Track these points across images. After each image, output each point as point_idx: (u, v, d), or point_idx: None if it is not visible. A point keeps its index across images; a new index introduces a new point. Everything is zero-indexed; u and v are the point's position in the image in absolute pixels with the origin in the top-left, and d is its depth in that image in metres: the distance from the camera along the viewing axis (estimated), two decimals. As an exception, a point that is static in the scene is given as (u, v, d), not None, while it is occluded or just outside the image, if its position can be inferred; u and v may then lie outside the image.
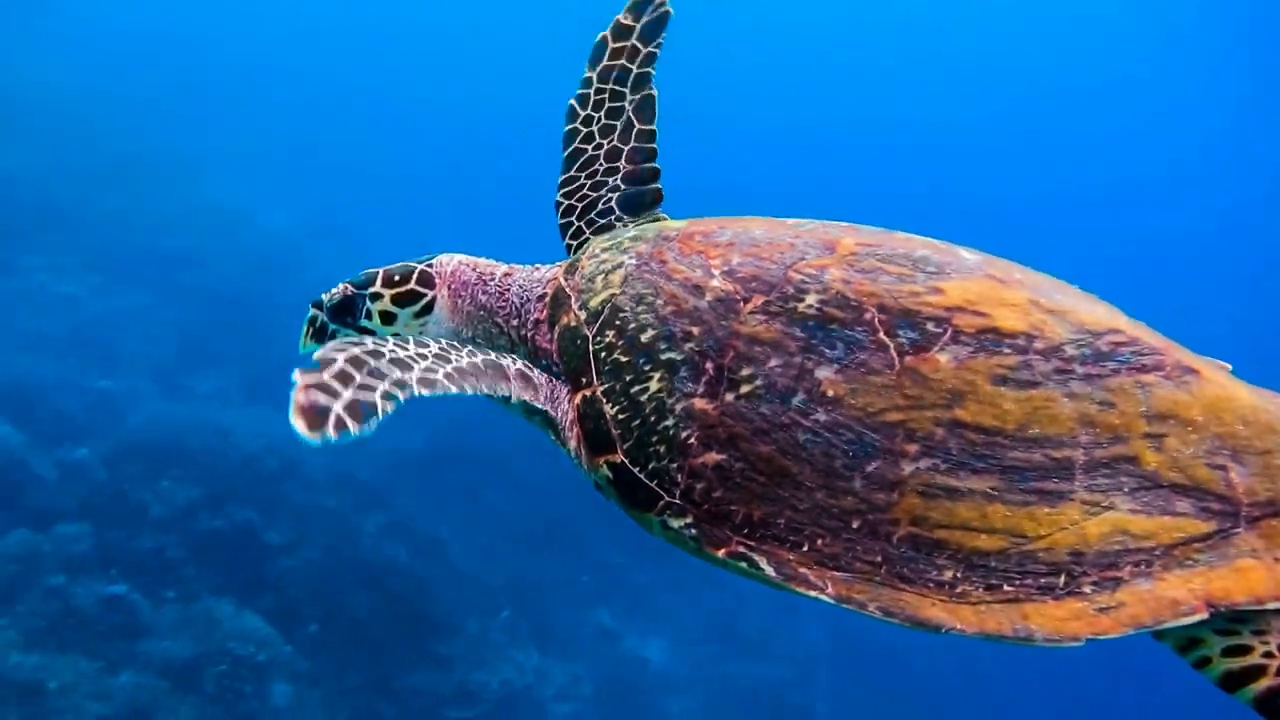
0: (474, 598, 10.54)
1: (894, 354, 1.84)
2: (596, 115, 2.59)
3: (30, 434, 9.99)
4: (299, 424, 1.59)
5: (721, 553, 1.85)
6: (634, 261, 2.14)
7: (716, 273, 2.02)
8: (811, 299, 1.91)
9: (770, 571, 1.82)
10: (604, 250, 2.27)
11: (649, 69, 2.59)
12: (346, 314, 2.34)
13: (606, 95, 2.59)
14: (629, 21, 2.58)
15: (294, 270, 21.00)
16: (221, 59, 31.33)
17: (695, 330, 1.96)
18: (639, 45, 2.57)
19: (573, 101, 2.60)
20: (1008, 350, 1.82)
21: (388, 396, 1.75)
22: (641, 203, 2.57)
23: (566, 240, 2.59)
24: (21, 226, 16.38)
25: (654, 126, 2.59)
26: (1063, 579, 1.74)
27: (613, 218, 2.54)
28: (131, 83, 25.97)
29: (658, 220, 2.51)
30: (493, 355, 2.10)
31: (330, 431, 1.61)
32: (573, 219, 2.58)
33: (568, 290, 2.22)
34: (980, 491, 1.76)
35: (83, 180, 19.30)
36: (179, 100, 26.98)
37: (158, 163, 22.77)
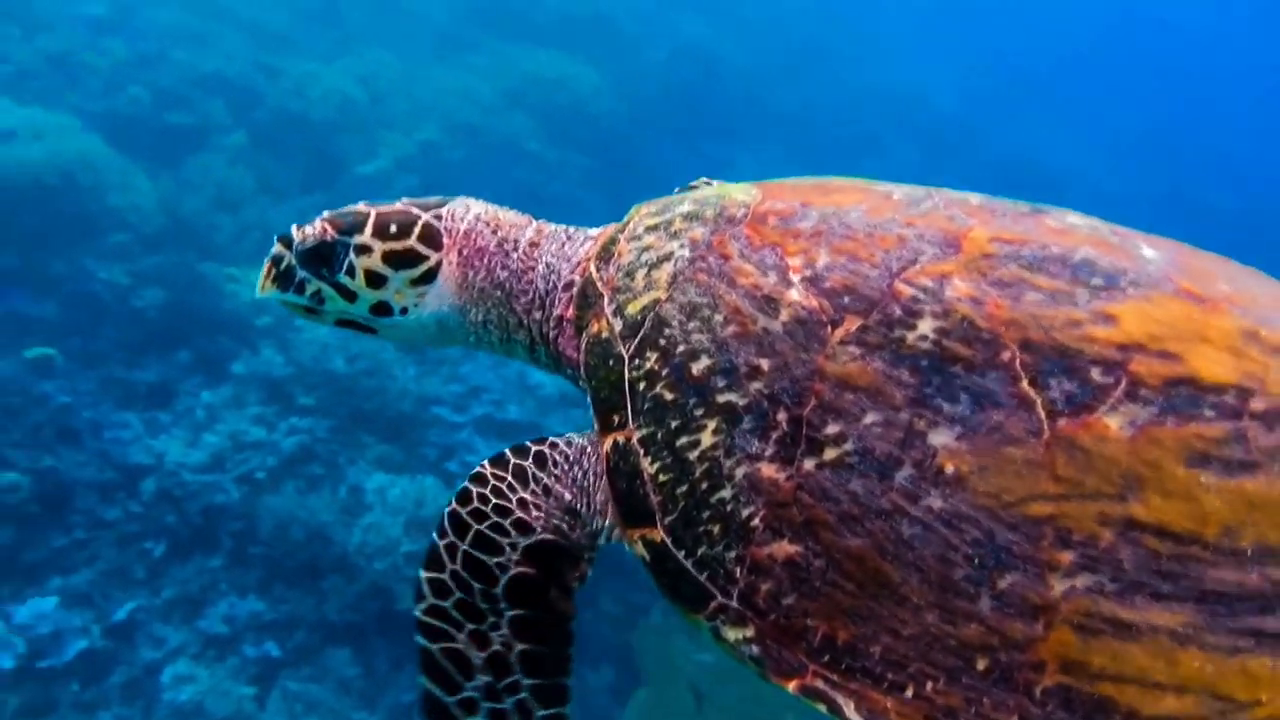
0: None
1: (1042, 415, 1.31)
2: None
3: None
4: None
5: (793, 686, 1.39)
6: (687, 253, 1.65)
7: (796, 279, 1.51)
8: (926, 326, 1.39)
9: None
10: (649, 231, 1.75)
11: None
12: (322, 263, 1.85)
13: None
14: None
15: (968, 151, 20.79)
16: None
17: (764, 364, 1.47)
18: None
19: None
20: (1210, 413, 1.27)
21: None
22: None
23: None
24: (734, 120, 18.32)
25: None
26: None
27: None
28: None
29: (721, 185, 1.93)
30: (499, 583, 1.62)
31: None
32: None
33: (600, 285, 1.75)
34: (1166, 629, 1.24)
35: (776, 68, 20.86)
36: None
37: (839, 46, 23.67)
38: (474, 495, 1.66)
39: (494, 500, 1.65)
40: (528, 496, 1.66)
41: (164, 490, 7.44)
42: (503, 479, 1.67)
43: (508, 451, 1.71)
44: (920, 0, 28.38)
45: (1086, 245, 1.45)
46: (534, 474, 1.68)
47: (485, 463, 1.70)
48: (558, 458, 1.70)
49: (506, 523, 1.63)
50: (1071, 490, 1.29)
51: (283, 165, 11.98)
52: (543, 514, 1.65)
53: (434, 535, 1.65)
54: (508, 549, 1.62)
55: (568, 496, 1.67)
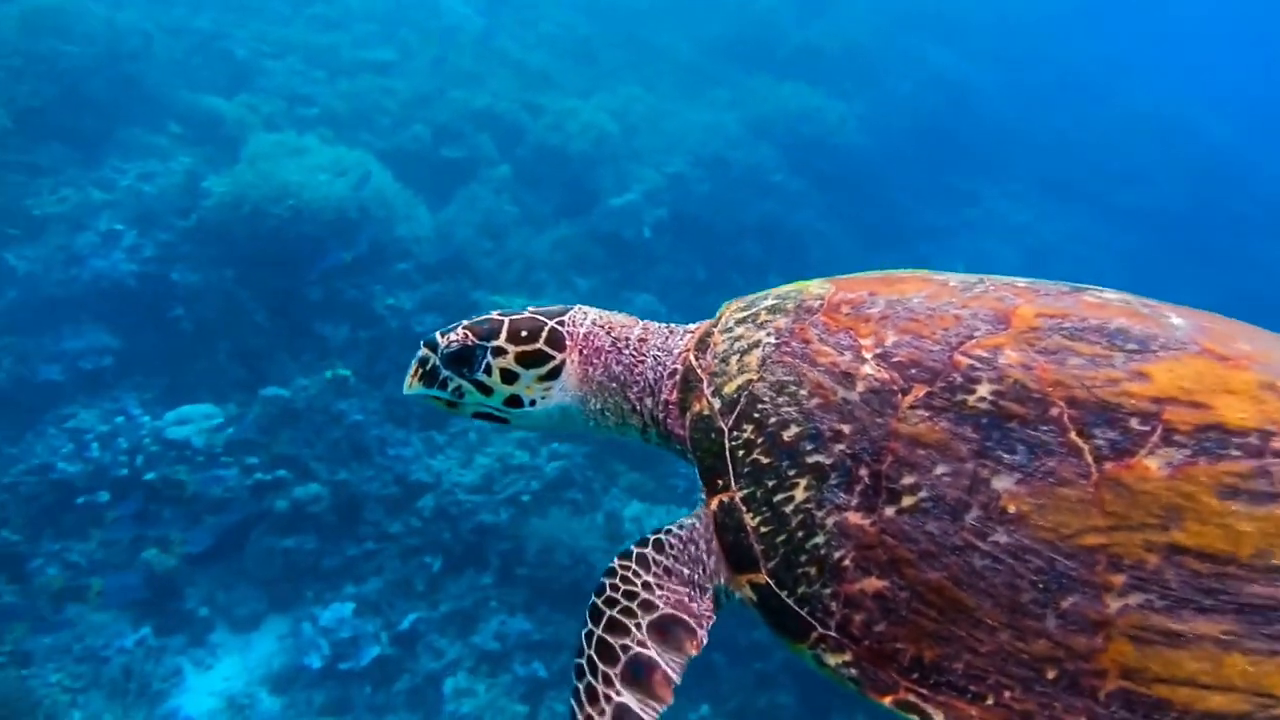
0: None
1: (1089, 460, 1.51)
2: None
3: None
4: None
5: (888, 700, 1.60)
6: (773, 340, 1.90)
7: (868, 356, 1.75)
8: (984, 390, 1.62)
9: None
10: (739, 324, 2.02)
11: None
12: (463, 364, 2.13)
13: None
14: None
15: (1239, 183, 19.12)
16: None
17: (846, 429, 1.71)
18: None
19: None
20: (1237, 453, 1.46)
21: None
22: None
23: None
24: (982, 152, 17.66)
25: None
26: None
27: None
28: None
29: (799, 282, 2.19)
30: (619, 664, 1.79)
31: None
32: None
33: (699, 371, 2.00)
34: (1210, 637, 1.42)
35: (1027, 98, 19.96)
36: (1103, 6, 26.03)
37: (1090, 73, 22.40)
38: (607, 586, 1.88)
39: (623, 588, 1.86)
40: (650, 579, 1.86)
41: (441, 508, 7.92)
42: (628, 568, 1.88)
43: (633, 545, 1.93)
44: (1175, 26, 26.42)
45: (1121, 316, 1.66)
46: (654, 559, 1.88)
47: (616, 557, 1.93)
48: (673, 540, 1.90)
49: (634, 605, 1.84)
50: (1120, 522, 1.48)
51: (541, 196, 12.59)
52: (665, 592, 1.85)
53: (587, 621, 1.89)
54: (634, 629, 1.81)
55: (685, 572, 1.87)
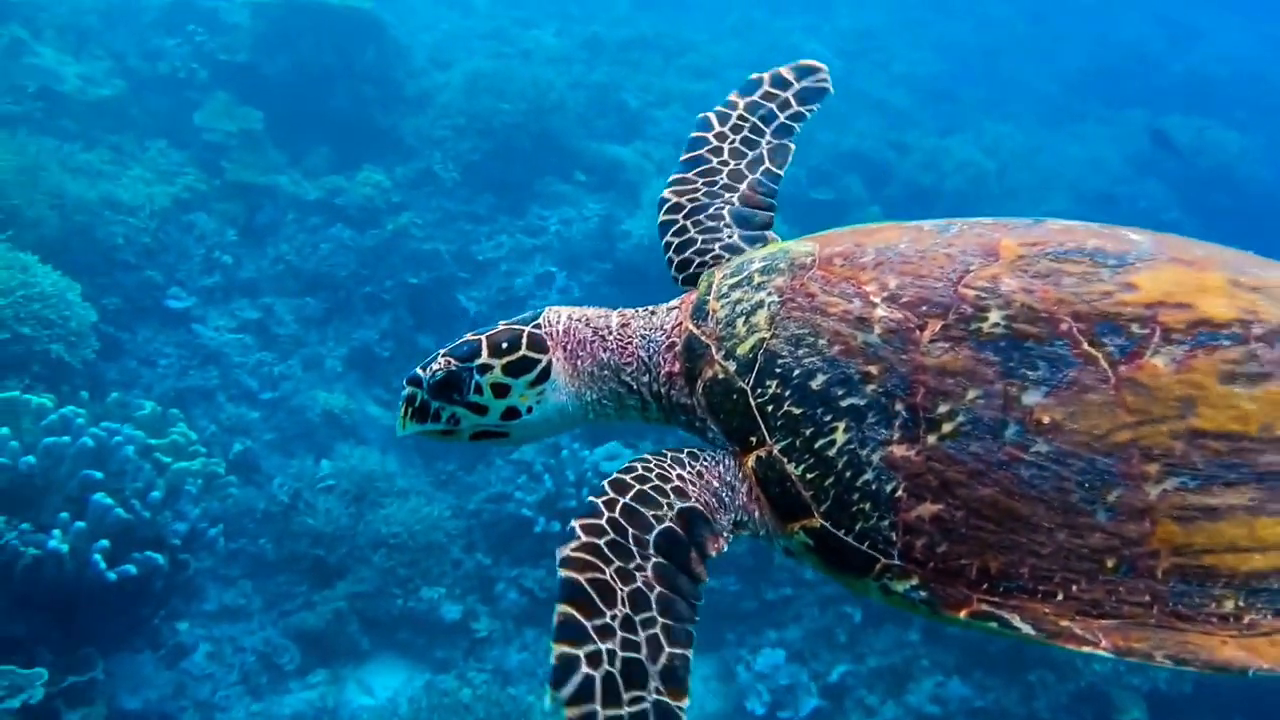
0: None
1: (1105, 365, 1.64)
2: (731, 137, 2.53)
3: None
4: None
5: (963, 614, 1.66)
6: (776, 299, 1.93)
7: (877, 300, 1.81)
8: (995, 316, 1.71)
9: (1027, 629, 1.63)
10: (733, 288, 2.04)
11: (795, 125, 2.55)
12: (452, 390, 2.09)
13: (747, 126, 2.54)
14: (790, 77, 2.60)
15: None
16: None
17: (873, 369, 1.76)
18: (792, 101, 2.56)
19: (710, 115, 2.56)
20: (1226, 342, 1.64)
21: None
22: (751, 221, 2.39)
23: (666, 238, 2.39)
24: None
25: (782, 173, 2.50)
26: None
27: (721, 224, 2.37)
28: None
29: (773, 243, 2.28)
30: (653, 531, 1.77)
31: None
32: (678, 217, 2.39)
33: (702, 338, 2.02)
34: (1240, 506, 1.59)
35: None
36: None
37: None
38: (638, 467, 1.88)
39: (656, 470, 1.87)
40: (686, 474, 1.89)
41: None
42: (663, 462, 1.91)
43: (665, 449, 1.96)
44: None
45: (1091, 238, 1.80)
46: (689, 463, 1.91)
47: (646, 454, 1.95)
48: (707, 459, 1.93)
49: (668, 487, 1.85)
50: (1144, 417, 1.62)
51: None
52: (697, 489, 1.87)
53: (591, 497, 1.82)
54: (665, 506, 1.81)
55: (715, 484, 1.89)
